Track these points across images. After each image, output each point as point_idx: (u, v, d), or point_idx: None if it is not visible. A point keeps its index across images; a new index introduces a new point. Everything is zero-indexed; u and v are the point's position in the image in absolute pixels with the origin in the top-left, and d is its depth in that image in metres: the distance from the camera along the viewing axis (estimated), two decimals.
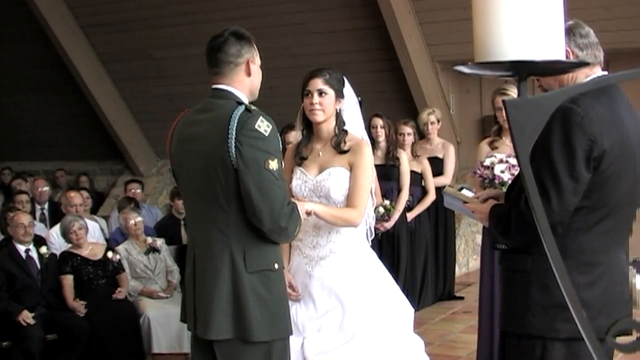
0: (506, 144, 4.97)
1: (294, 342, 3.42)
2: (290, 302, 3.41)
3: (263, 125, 2.97)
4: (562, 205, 2.53)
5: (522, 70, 1.79)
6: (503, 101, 1.80)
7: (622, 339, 2.31)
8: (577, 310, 1.80)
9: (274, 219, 2.98)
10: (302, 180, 3.69)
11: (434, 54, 9.34)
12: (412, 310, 3.84)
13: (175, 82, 10.76)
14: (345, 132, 3.70)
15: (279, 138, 3.08)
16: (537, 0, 1.73)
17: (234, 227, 3.01)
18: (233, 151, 2.94)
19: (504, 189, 4.12)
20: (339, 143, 3.66)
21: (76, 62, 11.10)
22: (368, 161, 3.65)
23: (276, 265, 3.08)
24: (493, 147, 5.14)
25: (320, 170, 3.67)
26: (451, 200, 3.27)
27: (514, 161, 4.31)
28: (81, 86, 11.35)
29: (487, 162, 4.66)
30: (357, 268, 3.67)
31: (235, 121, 2.96)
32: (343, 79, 3.73)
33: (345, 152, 3.65)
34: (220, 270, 3.02)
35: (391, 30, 9.07)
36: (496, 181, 4.40)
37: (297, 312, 3.63)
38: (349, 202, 3.61)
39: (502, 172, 4.46)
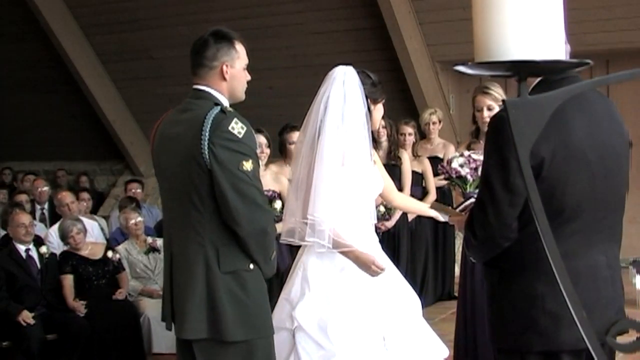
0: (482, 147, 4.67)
1: (374, 338, 3.51)
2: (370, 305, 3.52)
3: (237, 127, 2.98)
4: (499, 218, 2.43)
5: (522, 70, 1.79)
6: (503, 101, 1.80)
7: (622, 339, 2.30)
8: (578, 313, 1.79)
9: (251, 220, 2.99)
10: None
11: (434, 54, 9.33)
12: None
13: (175, 82, 10.73)
14: None
15: (255, 139, 3.10)
16: (537, 0, 1.73)
17: (208, 227, 3.02)
18: (206, 152, 2.95)
19: (467, 187, 4.05)
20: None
21: (76, 62, 11.09)
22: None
23: (251, 266, 3.07)
24: (470, 150, 4.93)
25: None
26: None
27: (476, 156, 4.07)
28: (81, 86, 11.34)
29: (449, 157, 4.45)
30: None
31: (210, 122, 2.97)
32: None
33: None
34: (194, 270, 3.03)
35: (391, 30, 9.06)
36: (454, 175, 4.16)
37: (366, 310, 3.59)
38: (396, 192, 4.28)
39: (461, 166, 4.16)
